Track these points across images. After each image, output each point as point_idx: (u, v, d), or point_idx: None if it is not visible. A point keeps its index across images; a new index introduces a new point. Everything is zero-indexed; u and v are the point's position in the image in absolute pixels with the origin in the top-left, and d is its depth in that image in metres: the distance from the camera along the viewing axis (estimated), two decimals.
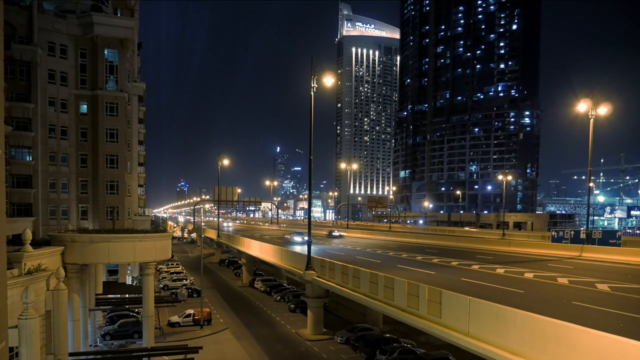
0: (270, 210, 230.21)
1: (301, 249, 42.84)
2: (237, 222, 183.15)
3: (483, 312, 17.26)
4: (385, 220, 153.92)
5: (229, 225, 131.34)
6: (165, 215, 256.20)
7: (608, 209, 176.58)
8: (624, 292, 23.25)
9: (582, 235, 46.31)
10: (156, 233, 32.21)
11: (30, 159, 42.23)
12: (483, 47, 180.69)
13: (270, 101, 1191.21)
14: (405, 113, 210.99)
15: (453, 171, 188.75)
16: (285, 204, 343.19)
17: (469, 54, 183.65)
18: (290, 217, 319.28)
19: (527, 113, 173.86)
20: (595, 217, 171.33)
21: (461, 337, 17.97)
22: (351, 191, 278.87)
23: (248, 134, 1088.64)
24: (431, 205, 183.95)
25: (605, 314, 18.60)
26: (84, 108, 45.50)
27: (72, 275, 28.05)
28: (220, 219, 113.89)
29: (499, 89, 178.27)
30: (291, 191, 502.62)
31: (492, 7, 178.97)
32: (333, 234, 76.55)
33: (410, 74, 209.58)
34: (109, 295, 42.32)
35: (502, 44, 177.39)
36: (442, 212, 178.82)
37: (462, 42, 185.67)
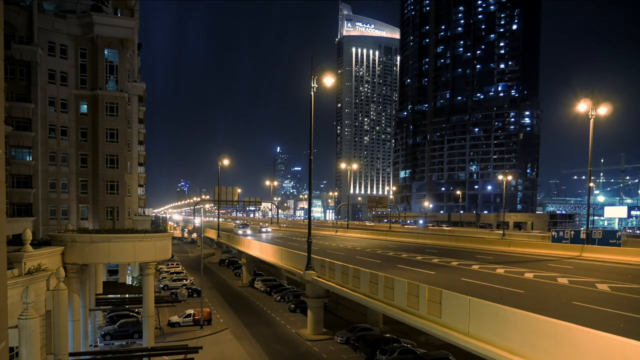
0: (270, 210, 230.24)
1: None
2: (237, 222, 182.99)
3: (483, 312, 17.24)
4: (386, 220, 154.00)
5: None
6: (165, 216, 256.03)
7: (609, 209, 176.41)
8: (624, 292, 23.24)
9: (582, 235, 46.29)
10: (156, 233, 32.19)
11: (30, 159, 42.23)
12: (483, 47, 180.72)
13: (270, 101, 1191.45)
14: (405, 113, 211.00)
15: (453, 171, 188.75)
16: (285, 204, 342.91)
17: (469, 54, 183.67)
18: (291, 217, 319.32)
19: (527, 113, 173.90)
20: (595, 217, 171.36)
21: (461, 337, 17.96)
22: (351, 191, 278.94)
23: (248, 133, 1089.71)
24: (431, 205, 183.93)
25: (606, 314, 18.59)
26: (84, 108, 45.51)
27: (72, 275, 28.04)
28: (221, 219, 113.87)
29: (499, 89, 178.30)
30: (291, 191, 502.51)
31: (492, 7, 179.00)
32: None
33: (410, 74, 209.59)
34: (109, 295, 42.30)
35: (502, 44, 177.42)
36: (442, 212, 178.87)
37: (462, 42, 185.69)
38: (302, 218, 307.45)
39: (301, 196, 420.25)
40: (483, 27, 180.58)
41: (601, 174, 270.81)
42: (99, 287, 40.30)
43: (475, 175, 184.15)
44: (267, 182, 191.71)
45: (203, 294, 49.57)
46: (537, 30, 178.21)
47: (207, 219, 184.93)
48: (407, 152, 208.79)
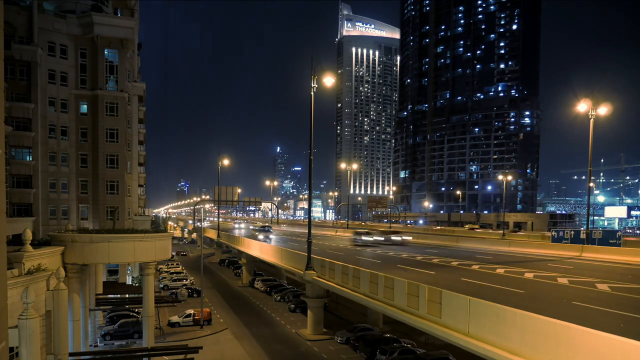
0: (270, 210, 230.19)
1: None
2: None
3: (483, 312, 17.24)
4: (385, 220, 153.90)
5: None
6: (165, 215, 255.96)
7: (609, 209, 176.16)
8: (624, 292, 23.24)
9: (582, 235, 46.30)
10: (156, 233, 32.19)
11: (30, 159, 42.22)
12: (483, 47, 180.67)
13: (270, 101, 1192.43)
14: (405, 113, 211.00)
15: (453, 171, 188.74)
16: (285, 204, 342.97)
17: (469, 54, 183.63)
18: (291, 217, 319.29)
19: (527, 113, 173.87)
20: (595, 217, 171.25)
21: (461, 337, 17.96)
22: (351, 191, 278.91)
23: (248, 133, 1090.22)
24: (431, 205, 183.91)
25: (606, 314, 18.59)
26: (84, 108, 45.50)
27: (72, 275, 28.04)
28: (221, 219, 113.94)
29: (499, 89, 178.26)
30: (291, 191, 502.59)
31: (492, 7, 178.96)
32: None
33: (410, 74, 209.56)
34: (109, 295, 42.30)
35: (502, 44, 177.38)
36: (442, 212, 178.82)
37: (462, 42, 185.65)
38: (302, 218, 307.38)
39: (301, 196, 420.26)
40: (483, 27, 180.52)
41: (601, 174, 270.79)
42: (99, 287, 40.30)
43: (475, 175, 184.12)
44: (267, 182, 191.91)
45: (203, 294, 49.58)
46: (537, 30, 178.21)
47: (209, 219, 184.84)
48: (407, 152, 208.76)
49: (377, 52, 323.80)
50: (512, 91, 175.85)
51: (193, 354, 27.48)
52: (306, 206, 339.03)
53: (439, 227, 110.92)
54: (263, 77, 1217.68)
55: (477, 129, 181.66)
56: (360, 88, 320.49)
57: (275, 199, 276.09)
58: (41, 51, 42.03)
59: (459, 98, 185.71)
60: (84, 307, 32.32)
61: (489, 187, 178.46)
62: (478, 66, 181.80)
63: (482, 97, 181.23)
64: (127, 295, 43.83)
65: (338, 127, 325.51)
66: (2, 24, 10.92)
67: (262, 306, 53.81)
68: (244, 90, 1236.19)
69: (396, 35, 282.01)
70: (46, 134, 43.18)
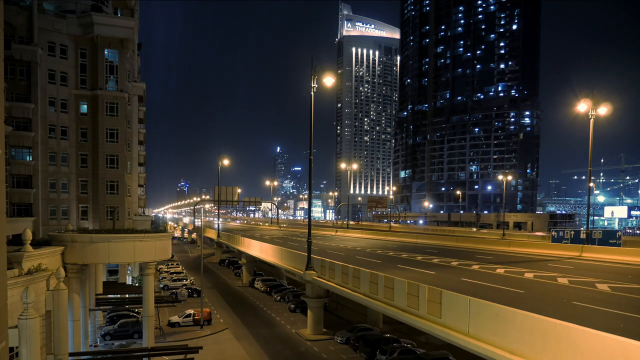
0: (270, 210, 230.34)
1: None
2: (237, 222, 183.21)
3: (483, 312, 17.25)
4: (386, 220, 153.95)
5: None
6: (166, 216, 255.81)
7: (609, 209, 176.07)
8: (624, 292, 23.24)
9: (582, 235, 46.28)
10: (156, 233, 32.18)
11: (30, 159, 42.22)
12: (483, 47, 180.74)
13: (270, 101, 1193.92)
14: (405, 113, 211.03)
15: (453, 171, 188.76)
16: (285, 204, 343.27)
17: (469, 54, 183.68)
18: (291, 217, 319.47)
19: (527, 113, 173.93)
20: (596, 217, 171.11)
21: (461, 337, 17.97)
22: (351, 191, 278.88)
23: (248, 133, 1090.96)
24: (431, 205, 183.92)
25: (605, 314, 18.59)
26: (84, 108, 45.49)
27: (72, 275, 28.05)
28: (221, 219, 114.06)
29: (499, 89, 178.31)
30: (291, 191, 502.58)
31: (492, 7, 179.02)
32: None
33: (410, 74, 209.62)
34: (109, 295, 42.31)
35: (502, 44, 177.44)
36: (442, 212, 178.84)
37: (462, 42, 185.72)
38: (302, 218, 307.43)
39: (301, 196, 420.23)
40: (483, 27, 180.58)
41: (601, 174, 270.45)
42: (99, 287, 40.31)
43: (475, 175, 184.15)
44: (267, 182, 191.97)
45: (203, 294, 49.58)
46: (537, 30, 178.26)
47: (207, 219, 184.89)
48: (407, 152, 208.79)
49: (377, 52, 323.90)
50: (512, 91, 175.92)
51: (193, 354, 27.49)
52: (306, 206, 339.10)
53: (439, 227, 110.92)
54: (263, 77, 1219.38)
55: (477, 129, 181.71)
56: (360, 88, 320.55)
57: (275, 199, 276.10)
58: (41, 51, 42.02)
59: (459, 98, 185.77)
60: (84, 307, 32.33)
61: (489, 187, 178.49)
62: (478, 66, 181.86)
63: (482, 97, 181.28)
64: (127, 295, 43.83)
65: (338, 127, 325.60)
66: (2, 24, 10.92)
67: (262, 306, 53.80)
68: (244, 89, 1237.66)
69: (396, 35, 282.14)
70: (46, 134, 43.17)
